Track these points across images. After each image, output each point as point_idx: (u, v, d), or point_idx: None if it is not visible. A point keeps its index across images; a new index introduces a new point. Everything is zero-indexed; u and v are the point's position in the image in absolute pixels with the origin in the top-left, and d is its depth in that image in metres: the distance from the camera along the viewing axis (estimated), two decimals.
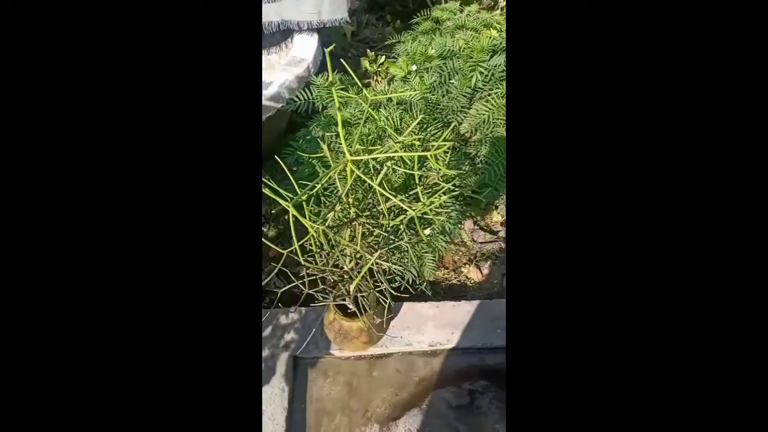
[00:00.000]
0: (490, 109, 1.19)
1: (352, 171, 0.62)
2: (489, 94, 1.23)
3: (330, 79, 0.57)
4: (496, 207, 1.37)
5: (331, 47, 0.54)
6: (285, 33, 1.33)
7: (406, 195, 0.77)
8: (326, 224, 0.70)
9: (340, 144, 0.71)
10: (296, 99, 1.17)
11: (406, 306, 1.07)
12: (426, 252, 1.04)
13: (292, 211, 0.60)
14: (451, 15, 1.46)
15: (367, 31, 2.10)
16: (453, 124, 1.20)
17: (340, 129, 0.56)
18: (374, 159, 0.71)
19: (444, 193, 0.78)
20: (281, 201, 0.62)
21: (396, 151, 0.62)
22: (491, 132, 1.21)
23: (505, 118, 1.18)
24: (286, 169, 0.79)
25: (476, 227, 1.34)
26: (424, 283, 1.03)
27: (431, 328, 1.04)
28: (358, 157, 0.59)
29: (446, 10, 1.49)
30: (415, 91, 1.19)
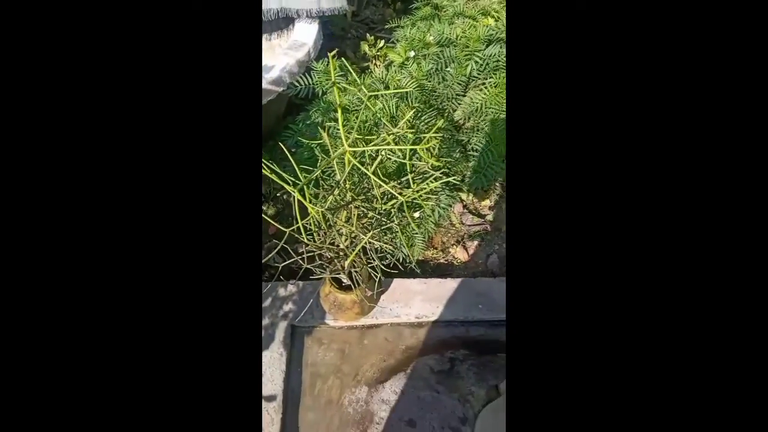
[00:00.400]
0: (483, 97, 1.24)
1: (349, 160, 0.68)
2: (483, 83, 1.28)
3: (332, 80, 0.62)
4: (486, 191, 1.45)
5: (334, 51, 0.59)
6: (286, 19, 1.35)
7: (399, 181, 0.84)
8: (326, 207, 0.77)
9: (338, 130, 0.77)
10: (296, 83, 1.21)
11: (396, 282, 1.16)
12: (416, 233, 1.12)
13: (296, 195, 0.67)
14: (451, 2, 1.48)
15: (368, 11, 2.10)
16: (446, 113, 1.25)
17: (340, 124, 0.62)
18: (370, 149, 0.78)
19: (435, 179, 0.85)
20: (286, 186, 0.69)
21: (389, 144, 0.69)
22: (483, 120, 1.27)
23: (497, 106, 1.23)
24: (287, 152, 0.86)
25: (465, 210, 1.42)
26: (414, 261, 1.12)
27: (418, 302, 1.13)
28: (355, 149, 0.65)
29: None
30: (412, 79, 1.23)
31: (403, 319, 1.12)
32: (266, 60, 1.25)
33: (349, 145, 0.66)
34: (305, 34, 1.32)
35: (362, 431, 0.97)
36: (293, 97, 1.27)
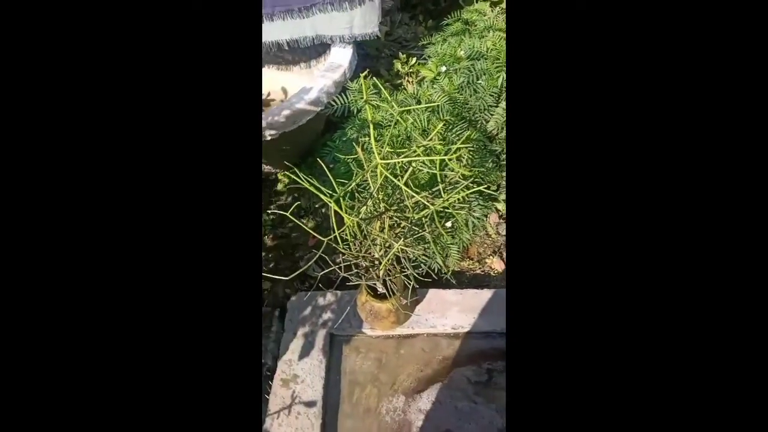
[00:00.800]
0: None
1: (382, 172, 0.72)
2: None
3: (365, 99, 0.67)
4: None
5: (365, 72, 0.64)
6: (323, 45, 1.44)
7: (431, 191, 0.87)
8: (360, 217, 0.81)
9: (372, 145, 0.81)
10: (333, 103, 1.29)
11: (432, 293, 1.17)
12: (451, 243, 1.13)
13: (333, 206, 0.71)
14: (481, 17, 1.51)
15: (400, 30, 2.17)
16: (479, 124, 1.27)
17: (372, 139, 0.66)
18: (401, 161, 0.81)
19: (467, 188, 0.86)
20: (323, 197, 0.74)
21: (419, 155, 0.72)
22: None
23: None
24: (324, 167, 0.91)
25: (501, 220, 1.41)
26: (449, 272, 1.12)
27: (455, 313, 1.13)
28: (387, 161, 0.69)
29: (476, 12, 1.54)
30: (444, 93, 1.27)
31: (439, 329, 1.12)
32: (305, 82, 1.34)
33: (381, 158, 0.70)
34: (341, 56, 1.39)
35: None
36: (331, 115, 1.34)
